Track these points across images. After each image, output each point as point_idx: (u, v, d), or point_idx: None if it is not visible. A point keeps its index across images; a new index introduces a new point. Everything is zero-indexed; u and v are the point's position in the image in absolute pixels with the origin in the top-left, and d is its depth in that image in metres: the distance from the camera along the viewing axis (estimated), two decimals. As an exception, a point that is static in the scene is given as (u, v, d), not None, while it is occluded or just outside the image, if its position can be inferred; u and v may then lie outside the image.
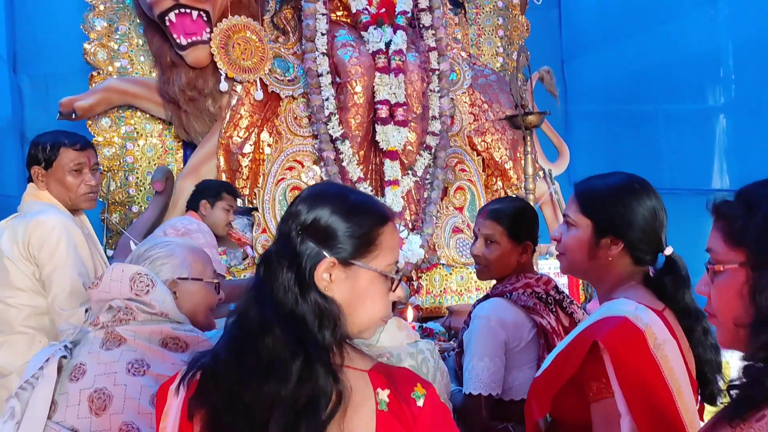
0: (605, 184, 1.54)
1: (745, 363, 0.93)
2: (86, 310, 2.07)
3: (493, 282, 2.05)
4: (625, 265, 1.48)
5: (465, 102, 4.07)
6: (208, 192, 3.21)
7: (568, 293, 2.14)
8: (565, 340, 1.50)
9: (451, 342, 2.90)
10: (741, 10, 4.42)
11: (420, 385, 1.02)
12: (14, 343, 2.20)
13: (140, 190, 4.04)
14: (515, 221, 1.97)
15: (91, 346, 1.50)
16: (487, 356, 1.82)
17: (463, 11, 4.34)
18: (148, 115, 4.03)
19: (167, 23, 3.66)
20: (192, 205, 3.22)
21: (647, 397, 1.28)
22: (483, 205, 2.81)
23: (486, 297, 2.00)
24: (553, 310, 1.97)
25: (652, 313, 1.39)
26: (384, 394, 1.00)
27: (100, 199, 3.96)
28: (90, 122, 3.93)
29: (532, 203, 3.10)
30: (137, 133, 4.04)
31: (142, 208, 3.98)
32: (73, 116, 3.74)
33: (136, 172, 4.05)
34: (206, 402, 1.02)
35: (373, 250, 1.05)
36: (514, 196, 3.59)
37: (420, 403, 1.01)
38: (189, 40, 3.68)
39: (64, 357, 1.48)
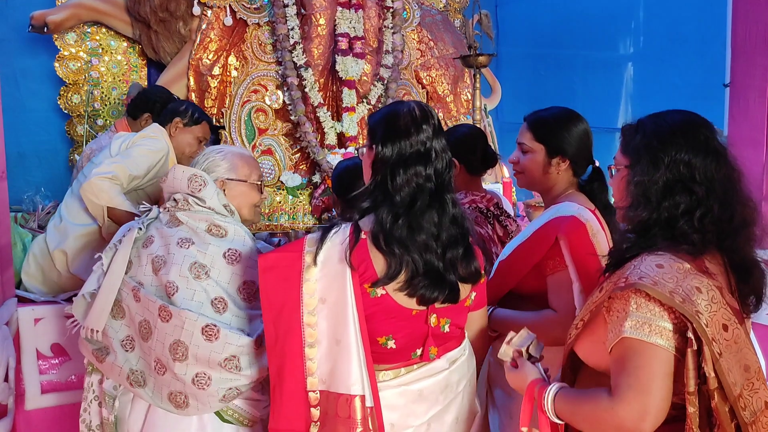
0: (551, 115, 1.99)
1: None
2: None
3: None
4: (568, 177, 1.98)
5: (413, 39, 4.40)
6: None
7: (511, 210, 2.70)
8: (523, 234, 2.00)
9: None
10: (654, -33, 4.99)
11: None
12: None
13: (105, 105, 4.22)
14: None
15: (159, 224, 1.93)
16: None
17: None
18: (113, 32, 4.16)
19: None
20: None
21: (589, 268, 1.80)
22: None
23: None
24: (491, 222, 2.53)
25: (589, 212, 1.92)
26: None
27: (66, 111, 4.17)
28: (56, 36, 4.04)
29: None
30: (102, 49, 4.19)
31: (107, 121, 4.19)
32: (45, 30, 3.87)
33: (101, 87, 4.22)
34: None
35: None
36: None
37: None
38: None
39: (140, 229, 1.91)
